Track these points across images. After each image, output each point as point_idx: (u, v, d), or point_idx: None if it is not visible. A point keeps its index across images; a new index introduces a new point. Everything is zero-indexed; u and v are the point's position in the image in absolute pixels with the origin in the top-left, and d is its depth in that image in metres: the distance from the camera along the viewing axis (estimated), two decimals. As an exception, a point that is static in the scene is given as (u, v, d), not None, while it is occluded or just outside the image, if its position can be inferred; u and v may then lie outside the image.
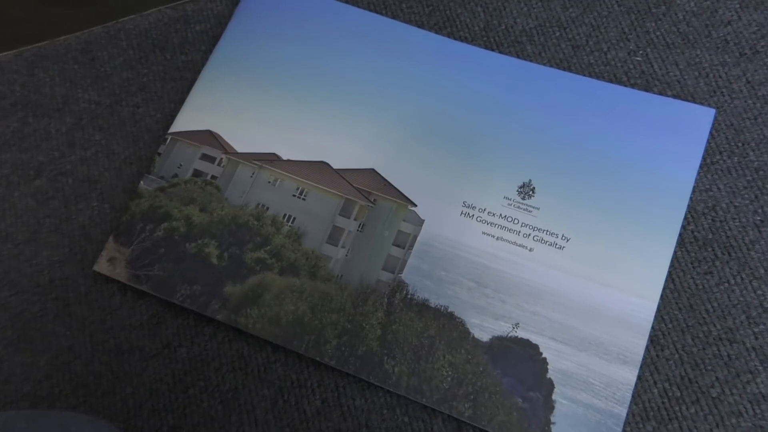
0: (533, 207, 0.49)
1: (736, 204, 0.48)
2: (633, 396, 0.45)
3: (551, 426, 0.44)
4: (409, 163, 0.51)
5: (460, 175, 0.51)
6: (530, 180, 0.50)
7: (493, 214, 0.49)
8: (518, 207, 0.49)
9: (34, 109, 0.57)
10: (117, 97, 0.56)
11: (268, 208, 0.52)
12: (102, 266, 0.51)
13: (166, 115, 0.55)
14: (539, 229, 0.49)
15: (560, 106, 0.51)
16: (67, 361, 0.50)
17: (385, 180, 0.51)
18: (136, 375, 0.49)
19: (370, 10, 0.56)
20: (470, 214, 0.50)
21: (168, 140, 0.54)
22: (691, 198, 0.48)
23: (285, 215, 0.51)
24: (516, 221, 0.49)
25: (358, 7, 0.56)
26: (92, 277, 0.51)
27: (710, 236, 0.48)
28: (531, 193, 0.50)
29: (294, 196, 0.52)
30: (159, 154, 0.54)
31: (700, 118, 0.50)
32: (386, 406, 0.47)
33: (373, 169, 0.52)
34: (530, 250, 0.48)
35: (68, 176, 0.54)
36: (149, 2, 0.59)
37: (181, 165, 0.53)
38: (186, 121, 0.54)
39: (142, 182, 0.53)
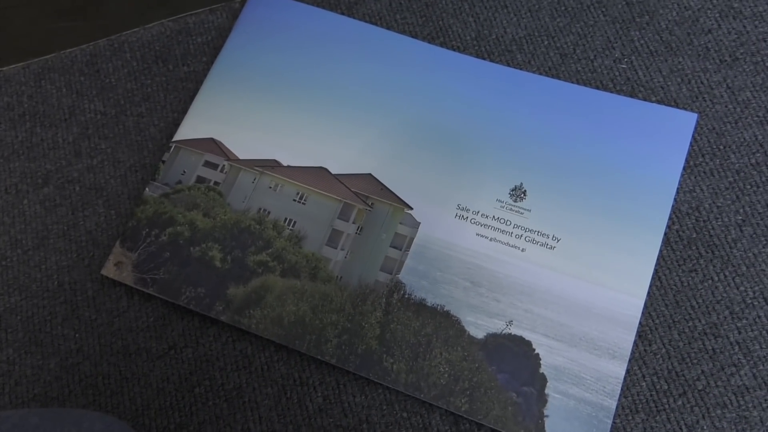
0: (525, 209, 0.51)
1: (719, 204, 0.50)
2: (622, 389, 0.46)
3: (545, 419, 0.46)
4: (405, 168, 0.53)
5: (454, 178, 0.52)
6: (521, 183, 0.52)
7: (487, 216, 0.51)
8: (510, 209, 0.51)
9: (42, 120, 0.58)
10: (122, 107, 0.58)
11: (269, 213, 0.53)
12: (109, 270, 0.52)
13: (170, 123, 0.57)
14: (531, 230, 0.50)
15: (550, 112, 0.53)
16: (76, 363, 0.51)
17: (382, 184, 0.53)
18: (143, 375, 0.50)
19: (366, 21, 0.58)
20: (464, 217, 0.51)
21: (172, 148, 0.55)
22: (675, 199, 0.50)
23: (286, 219, 0.53)
24: (508, 223, 0.51)
25: (354, 18, 0.58)
26: (99, 280, 0.53)
27: (694, 235, 0.50)
28: (522, 195, 0.51)
29: (294, 200, 0.53)
30: (163, 161, 0.55)
31: (683, 122, 0.52)
32: (386, 402, 0.48)
33: (370, 174, 0.53)
34: (522, 250, 0.50)
35: (75, 184, 0.56)
36: (152, 15, 0.60)
37: (184, 172, 0.55)
38: (189, 129, 0.56)
39: (147, 189, 0.54)
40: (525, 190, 0.51)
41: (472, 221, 0.51)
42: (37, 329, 0.52)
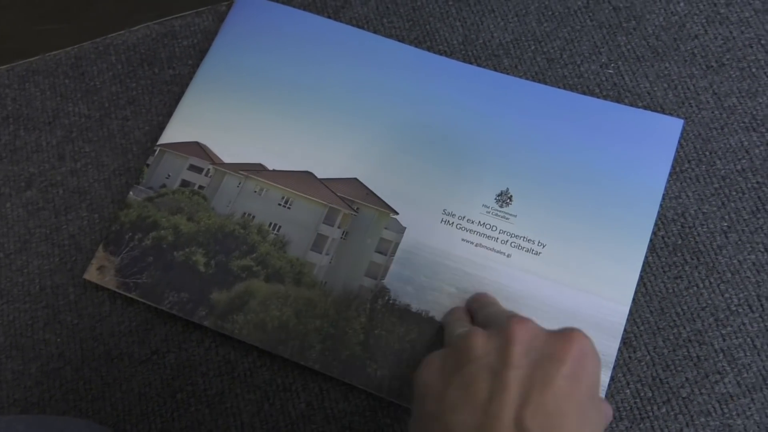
0: (510, 214, 0.51)
1: (704, 211, 0.50)
2: (606, 396, 0.46)
3: (528, 426, 0.46)
4: (391, 173, 0.53)
5: (441, 184, 0.52)
6: (507, 188, 0.51)
7: (472, 222, 0.51)
8: (496, 214, 0.51)
9: (26, 123, 0.58)
10: (106, 111, 0.58)
11: (254, 217, 0.53)
12: (92, 274, 0.52)
13: (154, 127, 0.57)
14: (516, 236, 0.50)
15: (536, 117, 0.53)
16: (57, 368, 0.51)
17: (368, 189, 0.53)
18: (125, 380, 0.50)
19: (353, 25, 0.58)
20: (450, 222, 0.51)
21: (156, 152, 0.55)
22: (661, 205, 0.50)
23: (270, 224, 0.53)
24: (494, 228, 0.51)
25: (341, 21, 0.58)
26: (82, 285, 0.52)
27: (680, 242, 0.50)
28: (508, 201, 0.51)
29: (279, 205, 0.53)
30: (147, 165, 0.55)
31: (669, 128, 0.52)
32: (369, 409, 0.48)
33: (356, 179, 0.53)
34: (508, 256, 0.50)
35: (58, 187, 0.56)
36: (137, 18, 0.60)
37: (169, 176, 0.54)
38: (174, 132, 0.56)
39: (131, 192, 0.54)
40: (511, 195, 0.51)
41: (458, 226, 0.51)
42: (19, 333, 0.52)
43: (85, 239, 0.54)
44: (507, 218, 0.51)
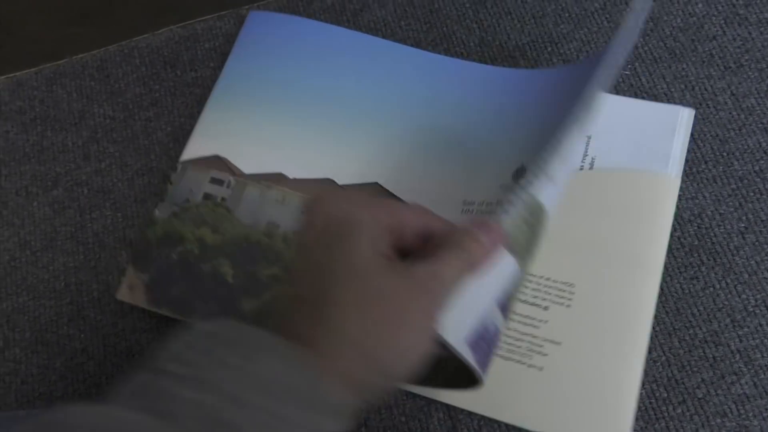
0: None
1: (721, 211, 0.50)
2: (621, 396, 0.46)
3: (543, 425, 0.46)
4: (411, 176, 0.53)
5: (462, 185, 0.52)
6: None
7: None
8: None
9: (53, 124, 0.59)
10: (130, 112, 0.59)
11: (279, 226, 0.53)
12: (123, 294, 0.52)
13: (176, 128, 0.58)
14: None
15: (554, 109, 0.52)
16: (80, 363, 0.52)
17: (390, 193, 0.53)
18: (146, 376, 0.51)
19: (370, 29, 0.58)
20: (470, 211, 0.50)
21: (179, 168, 0.56)
22: (677, 205, 0.50)
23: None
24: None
25: (359, 24, 0.59)
26: (105, 282, 0.53)
27: (696, 243, 0.49)
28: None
29: (302, 213, 0.53)
30: (171, 182, 0.55)
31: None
32: (384, 406, 0.48)
33: (376, 183, 0.53)
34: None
35: (84, 187, 0.57)
36: (161, 22, 0.61)
37: (191, 190, 0.55)
38: (195, 148, 0.56)
39: (156, 210, 0.54)
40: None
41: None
42: (44, 329, 0.53)
43: (109, 237, 0.55)
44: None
